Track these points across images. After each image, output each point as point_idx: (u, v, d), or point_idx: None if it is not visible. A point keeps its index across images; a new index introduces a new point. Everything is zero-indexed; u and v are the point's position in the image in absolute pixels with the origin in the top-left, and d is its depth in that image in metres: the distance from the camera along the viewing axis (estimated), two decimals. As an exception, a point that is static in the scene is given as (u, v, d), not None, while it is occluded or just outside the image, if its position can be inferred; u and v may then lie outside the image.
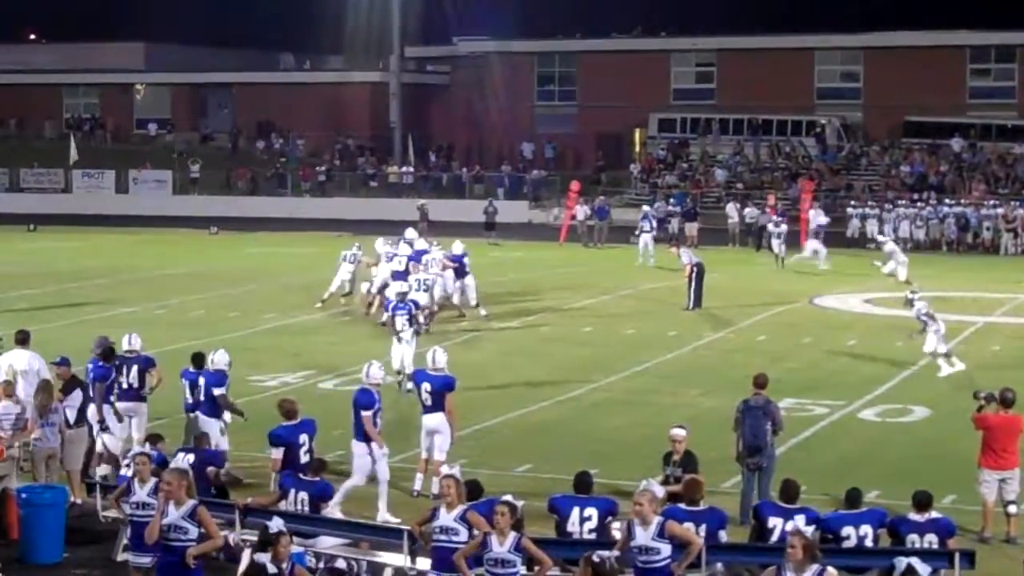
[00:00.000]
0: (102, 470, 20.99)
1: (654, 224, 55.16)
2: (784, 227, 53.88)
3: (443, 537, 14.78)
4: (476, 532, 14.66)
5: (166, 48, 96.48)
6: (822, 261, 51.42)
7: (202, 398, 21.64)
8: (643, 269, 50.94)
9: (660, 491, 14.79)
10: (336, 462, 20.94)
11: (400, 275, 36.40)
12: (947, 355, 30.85)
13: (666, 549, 14.13)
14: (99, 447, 21.17)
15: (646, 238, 53.77)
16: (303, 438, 18.63)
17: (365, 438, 19.93)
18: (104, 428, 21.18)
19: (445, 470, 15.86)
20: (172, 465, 15.65)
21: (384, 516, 19.19)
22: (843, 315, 40.63)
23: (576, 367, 31.62)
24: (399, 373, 27.96)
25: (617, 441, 24.15)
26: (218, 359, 21.90)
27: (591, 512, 15.73)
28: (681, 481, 16.76)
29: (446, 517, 14.82)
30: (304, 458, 18.43)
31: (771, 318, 39.49)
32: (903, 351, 33.63)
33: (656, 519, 14.23)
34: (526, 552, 14.11)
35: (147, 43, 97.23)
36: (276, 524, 13.80)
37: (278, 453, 18.60)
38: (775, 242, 53.23)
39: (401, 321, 28.46)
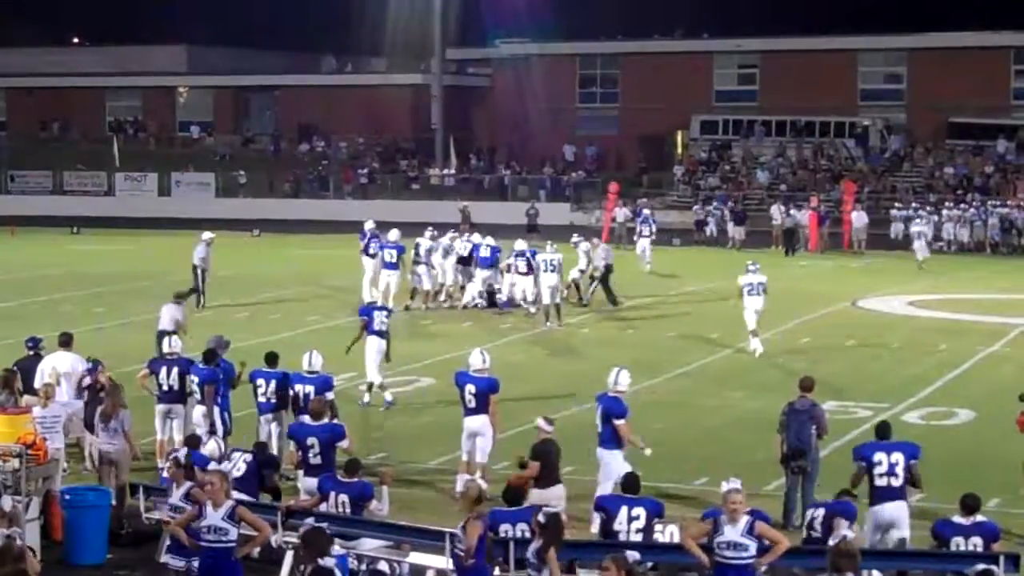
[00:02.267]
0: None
1: (653, 228, 53.10)
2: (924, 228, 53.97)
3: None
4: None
5: (208, 51, 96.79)
6: None
7: (302, 404, 21.18)
8: (688, 271, 50.69)
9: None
10: (378, 464, 20.91)
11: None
12: (754, 332, 32.98)
13: (753, 547, 14.17)
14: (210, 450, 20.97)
15: (644, 243, 51.95)
16: (311, 440, 18.52)
17: (618, 445, 19.61)
18: (212, 431, 21.02)
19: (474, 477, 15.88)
20: (212, 466, 15.66)
21: None
22: (887, 317, 40.43)
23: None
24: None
25: (660, 443, 23.97)
26: (316, 362, 21.81)
27: (639, 512, 15.75)
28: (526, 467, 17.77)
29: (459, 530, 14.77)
30: (314, 460, 18.39)
31: (814, 320, 39.34)
32: (947, 354, 33.50)
33: (745, 517, 14.26)
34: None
35: (189, 46, 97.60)
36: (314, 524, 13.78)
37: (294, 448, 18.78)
38: (918, 243, 53.09)
39: (380, 319, 27.69)
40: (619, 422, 19.64)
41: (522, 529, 15.27)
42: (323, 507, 16.79)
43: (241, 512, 14.70)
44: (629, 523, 15.68)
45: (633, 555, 13.05)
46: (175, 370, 22.22)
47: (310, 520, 13.93)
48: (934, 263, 53.17)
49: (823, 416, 20.01)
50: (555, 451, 18.28)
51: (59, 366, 22.59)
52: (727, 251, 59.64)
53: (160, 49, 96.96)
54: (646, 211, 56.71)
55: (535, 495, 17.29)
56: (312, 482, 17.82)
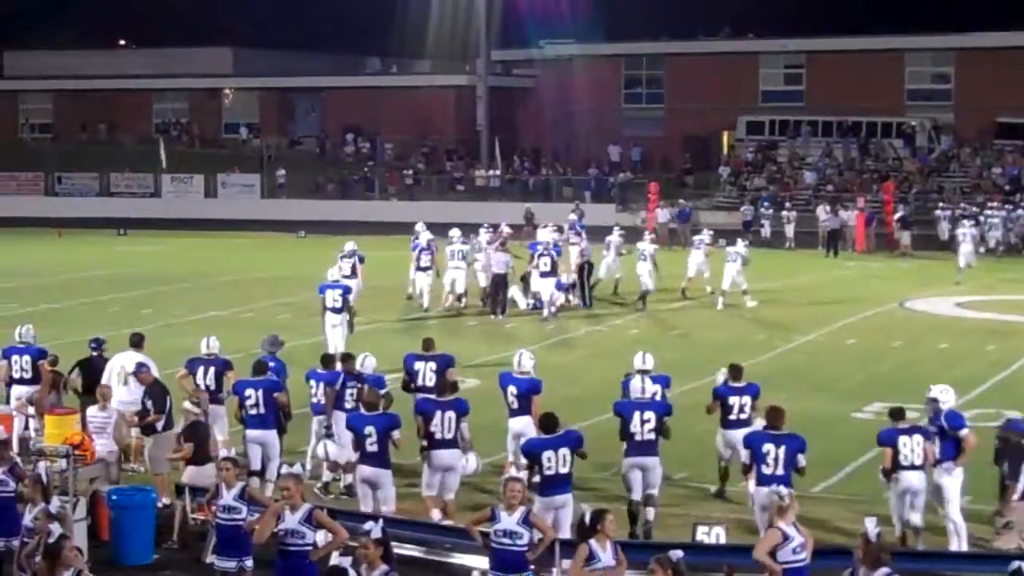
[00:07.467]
0: (325, 476, 21.33)
1: (582, 233, 45.04)
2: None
3: (506, 540, 14.66)
4: (538, 534, 14.76)
5: (254, 53, 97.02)
6: None
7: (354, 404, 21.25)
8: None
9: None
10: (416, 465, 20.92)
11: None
12: (643, 297, 39.41)
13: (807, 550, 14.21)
14: (321, 453, 21.03)
15: (573, 252, 42.24)
16: (369, 429, 18.68)
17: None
18: (329, 435, 21.11)
19: (512, 472, 16.30)
20: (285, 470, 15.72)
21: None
22: (934, 318, 40.21)
23: (663, 370, 31.36)
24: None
25: (703, 445, 23.93)
26: (369, 364, 21.94)
27: (650, 415, 19.00)
28: None
29: (508, 520, 14.70)
30: (371, 448, 18.62)
31: (861, 321, 39.16)
32: (995, 355, 33.28)
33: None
34: None
35: (235, 48, 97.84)
36: (373, 527, 13.70)
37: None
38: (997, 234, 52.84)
39: (332, 296, 31.61)
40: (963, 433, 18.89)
41: (563, 454, 17.01)
42: (434, 425, 19.07)
43: (318, 516, 14.72)
44: (642, 425, 18.93)
45: (677, 553, 12.93)
46: (212, 370, 22.33)
47: (370, 523, 13.89)
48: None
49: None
50: (205, 432, 19.75)
51: (127, 366, 22.73)
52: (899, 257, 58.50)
53: (205, 51, 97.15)
54: (572, 216, 51.37)
55: (191, 472, 19.12)
56: (368, 471, 18.48)
